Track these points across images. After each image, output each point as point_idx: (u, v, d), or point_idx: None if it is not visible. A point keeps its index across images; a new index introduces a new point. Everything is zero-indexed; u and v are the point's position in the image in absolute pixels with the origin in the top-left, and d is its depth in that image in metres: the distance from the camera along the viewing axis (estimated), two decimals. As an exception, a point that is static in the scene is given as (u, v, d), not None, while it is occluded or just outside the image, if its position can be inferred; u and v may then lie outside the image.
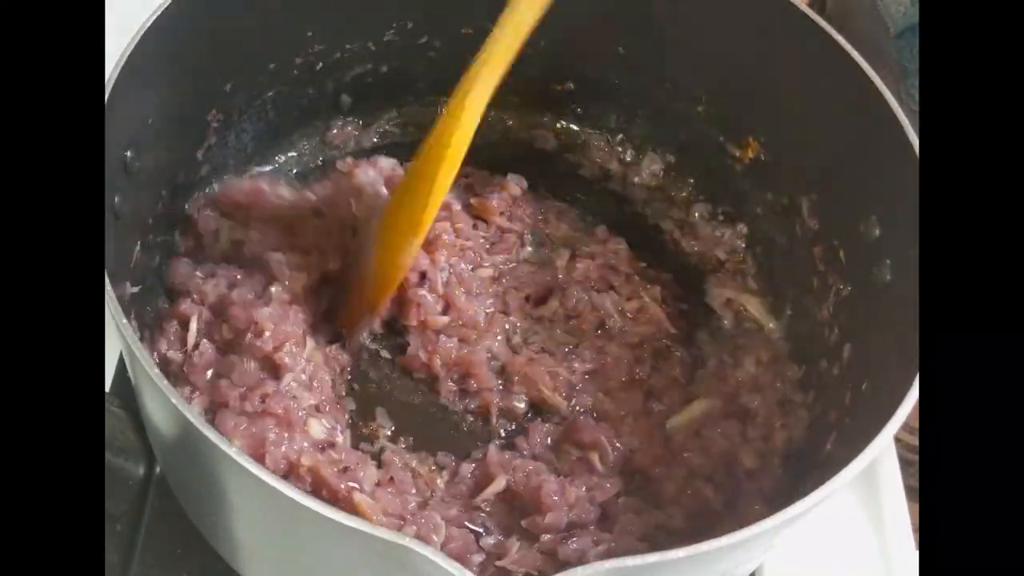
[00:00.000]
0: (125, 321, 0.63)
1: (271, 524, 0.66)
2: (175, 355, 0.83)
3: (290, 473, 0.76)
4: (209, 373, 0.82)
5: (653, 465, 0.85)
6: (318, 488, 0.76)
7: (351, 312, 0.90)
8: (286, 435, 0.78)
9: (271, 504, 0.59)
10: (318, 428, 0.81)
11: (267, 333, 0.82)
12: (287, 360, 0.82)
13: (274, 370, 0.82)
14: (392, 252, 0.86)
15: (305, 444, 0.79)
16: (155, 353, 0.83)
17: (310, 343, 0.85)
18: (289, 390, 0.81)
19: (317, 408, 0.83)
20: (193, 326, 0.83)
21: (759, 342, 0.94)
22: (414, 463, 0.83)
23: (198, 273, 0.87)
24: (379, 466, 0.82)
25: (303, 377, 0.83)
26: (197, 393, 0.81)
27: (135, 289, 0.85)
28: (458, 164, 0.82)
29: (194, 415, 0.60)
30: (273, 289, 0.86)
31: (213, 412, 0.80)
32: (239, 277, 0.87)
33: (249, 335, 0.82)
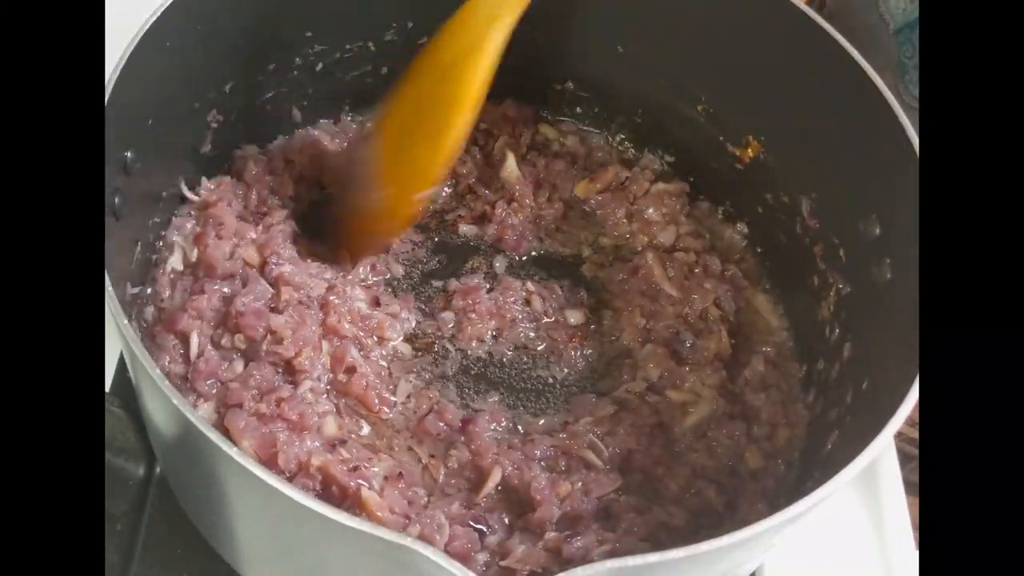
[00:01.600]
0: (125, 321, 0.63)
1: (272, 525, 0.66)
2: (177, 368, 0.83)
3: (300, 472, 0.77)
4: (215, 379, 0.82)
5: (654, 465, 0.85)
6: (328, 485, 0.76)
7: (354, 241, 0.93)
8: (296, 438, 0.78)
9: (272, 505, 0.59)
10: (332, 426, 0.82)
11: (287, 340, 0.83)
12: (306, 365, 0.83)
13: (291, 375, 0.83)
14: (407, 191, 0.87)
15: (316, 444, 0.79)
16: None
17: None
18: (305, 396, 0.82)
19: (336, 410, 0.84)
20: (195, 340, 0.83)
21: (767, 340, 0.94)
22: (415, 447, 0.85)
23: (179, 286, 0.87)
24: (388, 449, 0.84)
25: (320, 384, 0.84)
26: (202, 400, 0.81)
27: (135, 289, 0.85)
28: (477, 107, 0.81)
29: (195, 415, 0.60)
30: (284, 296, 0.86)
31: (221, 413, 0.80)
32: (227, 291, 0.87)
33: (266, 342, 0.83)
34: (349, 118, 1.05)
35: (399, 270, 0.98)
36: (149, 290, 0.87)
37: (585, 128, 1.10)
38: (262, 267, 0.89)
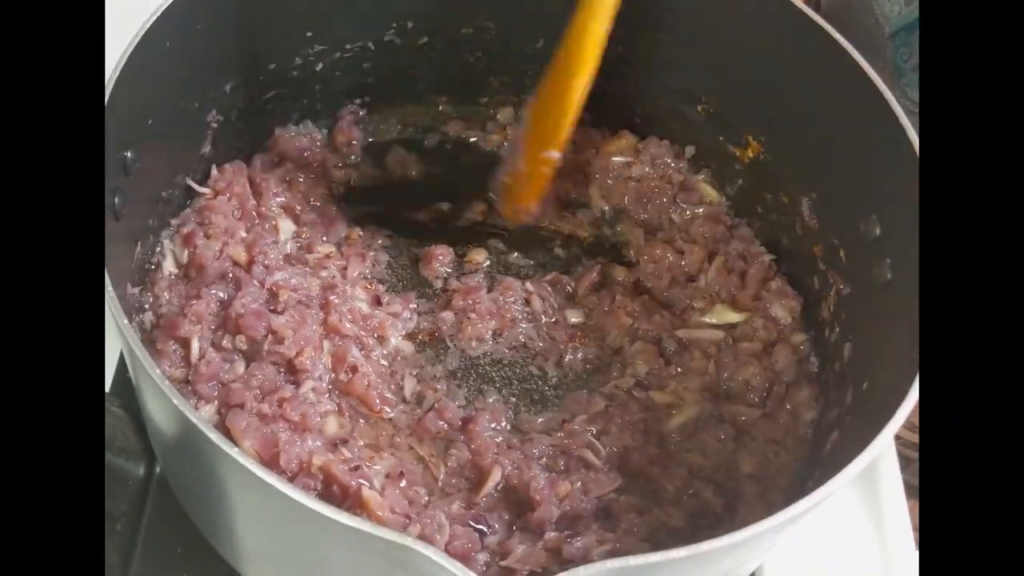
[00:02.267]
0: (126, 321, 0.63)
1: (272, 524, 0.66)
2: (177, 372, 0.83)
3: (301, 472, 0.77)
4: (216, 381, 0.82)
5: (650, 465, 0.85)
6: (329, 485, 0.77)
7: (507, 203, 0.99)
8: (298, 438, 0.78)
9: (273, 504, 0.59)
10: (333, 425, 0.82)
11: (288, 340, 0.83)
12: (308, 364, 0.83)
13: (293, 374, 0.83)
14: (536, 149, 0.93)
15: (318, 444, 0.79)
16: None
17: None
18: (307, 396, 0.82)
19: (338, 410, 0.84)
20: (195, 345, 0.83)
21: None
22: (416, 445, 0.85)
23: (175, 291, 0.87)
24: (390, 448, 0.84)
25: (322, 384, 0.84)
26: (203, 402, 0.81)
27: (135, 289, 0.85)
28: (589, 76, 0.87)
29: (196, 415, 0.60)
30: (283, 297, 0.86)
31: (223, 414, 0.80)
32: (222, 295, 0.86)
33: (268, 342, 0.83)
34: (350, 117, 1.05)
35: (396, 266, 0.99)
36: (148, 294, 0.87)
37: (584, 128, 1.10)
38: (249, 265, 0.88)
